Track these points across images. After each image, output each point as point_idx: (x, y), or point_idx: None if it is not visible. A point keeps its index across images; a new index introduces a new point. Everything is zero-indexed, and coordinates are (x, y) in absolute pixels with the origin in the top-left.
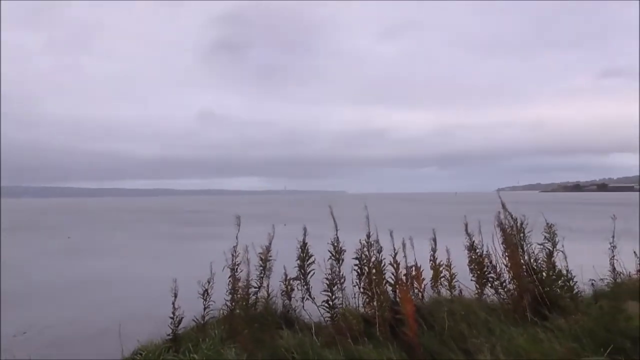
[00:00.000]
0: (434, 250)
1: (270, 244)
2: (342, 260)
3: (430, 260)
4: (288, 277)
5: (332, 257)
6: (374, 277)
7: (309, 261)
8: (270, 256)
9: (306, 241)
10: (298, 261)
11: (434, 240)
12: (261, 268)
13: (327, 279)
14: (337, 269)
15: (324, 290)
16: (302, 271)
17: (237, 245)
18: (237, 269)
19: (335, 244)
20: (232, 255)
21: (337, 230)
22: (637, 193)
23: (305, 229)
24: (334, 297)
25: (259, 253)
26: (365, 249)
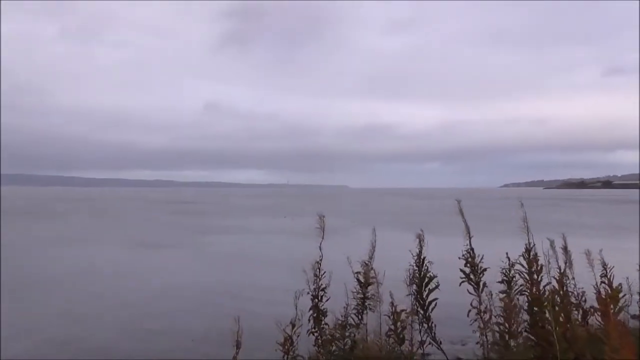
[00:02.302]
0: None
1: (371, 257)
2: (483, 286)
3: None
4: (396, 307)
5: (467, 279)
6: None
7: (430, 285)
8: (373, 278)
9: (422, 252)
10: (413, 286)
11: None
12: (359, 297)
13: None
14: (482, 299)
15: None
16: (420, 301)
17: (321, 259)
18: (321, 296)
19: (470, 257)
20: (316, 275)
21: (469, 237)
22: None
23: (420, 235)
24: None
25: (356, 272)
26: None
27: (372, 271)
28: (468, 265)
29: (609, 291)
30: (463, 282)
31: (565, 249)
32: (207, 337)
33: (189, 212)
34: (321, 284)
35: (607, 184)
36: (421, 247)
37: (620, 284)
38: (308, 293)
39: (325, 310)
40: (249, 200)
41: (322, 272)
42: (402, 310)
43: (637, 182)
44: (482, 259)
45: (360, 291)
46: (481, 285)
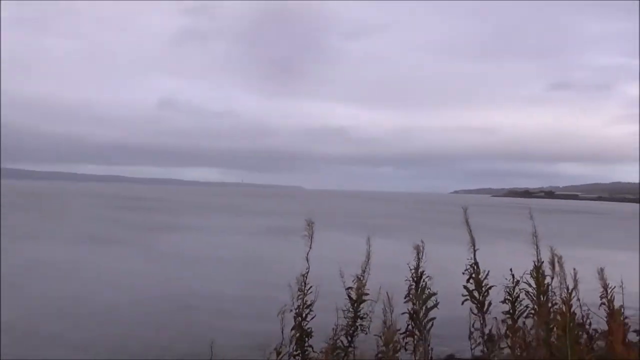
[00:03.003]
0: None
1: (365, 270)
2: (489, 306)
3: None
4: (389, 327)
5: (470, 298)
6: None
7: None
8: (367, 293)
9: (421, 265)
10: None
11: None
12: (350, 315)
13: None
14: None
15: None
16: (417, 320)
17: (307, 272)
18: (306, 314)
19: (475, 273)
20: (300, 289)
21: (474, 250)
22: (581, 201)
23: (419, 246)
24: None
25: (348, 288)
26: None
27: (364, 285)
28: (472, 281)
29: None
30: (466, 300)
31: (554, 263)
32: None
33: (139, 208)
34: (307, 300)
35: (549, 194)
36: (419, 259)
37: (621, 306)
38: (291, 310)
39: (310, 330)
40: (203, 198)
41: (308, 287)
42: (397, 331)
43: (577, 193)
44: (487, 275)
45: (351, 309)
46: (486, 305)
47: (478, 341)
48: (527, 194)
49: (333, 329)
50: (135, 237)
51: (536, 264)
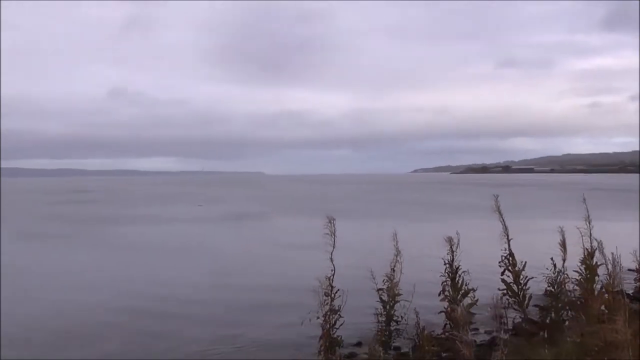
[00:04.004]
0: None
1: (394, 268)
2: (529, 300)
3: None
4: (423, 330)
5: (508, 292)
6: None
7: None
8: (400, 293)
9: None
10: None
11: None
12: (382, 315)
13: None
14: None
15: None
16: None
17: (333, 274)
18: (335, 320)
19: (511, 264)
20: (327, 294)
21: (508, 240)
22: (537, 174)
23: (451, 239)
24: None
25: (379, 290)
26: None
27: (398, 286)
28: (510, 273)
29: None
30: (505, 295)
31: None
32: None
33: (92, 201)
34: (334, 306)
35: (506, 168)
36: (453, 254)
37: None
38: (318, 318)
39: (340, 338)
40: (161, 188)
41: (334, 291)
42: (430, 333)
43: (532, 167)
44: (524, 266)
45: (382, 312)
46: (527, 300)
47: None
48: (484, 169)
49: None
50: (85, 230)
51: (589, 250)
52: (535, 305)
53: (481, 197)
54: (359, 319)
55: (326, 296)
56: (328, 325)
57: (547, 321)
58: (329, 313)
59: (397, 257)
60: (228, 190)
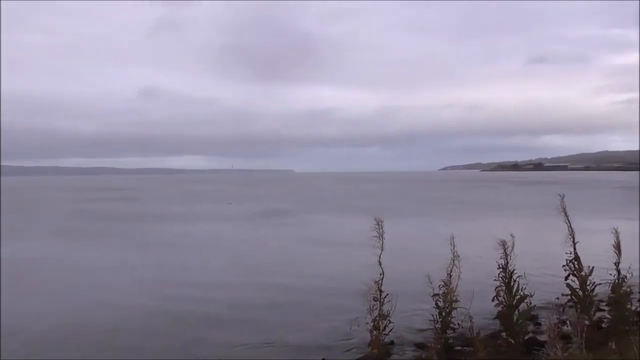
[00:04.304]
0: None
1: (450, 274)
2: (596, 307)
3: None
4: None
5: (573, 298)
6: None
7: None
8: (457, 299)
9: (509, 264)
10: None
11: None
12: (438, 322)
13: None
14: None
15: None
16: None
17: (382, 278)
18: (384, 326)
19: (576, 269)
20: (376, 299)
21: (574, 242)
22: (571, 172)
23: (504, 242)
24: None
25: (435, 295)
26: None
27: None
28: (576, 277)
29: None
30: (569, 303)
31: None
32: None
33: (124, 199)
34: (383, 311)
35: (538, 166)
36: (507, 255)
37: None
38: (367, 324)
39: (391, 344)
40: (191, 186)
41: (383, 295)
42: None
43: (565, 164)
44: (592, 270)
45: (438, 319)
46: (594, 307)
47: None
48: (516, 167)
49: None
50: (117, 228)
51: None
52: (601, 311)
53: (514, 195)
54: (407, 322)
55: (375, 301)
56: (377, 332)
57: (614, 330)
58: (378, 318)
59: (454, 261)
60: (257, 188)
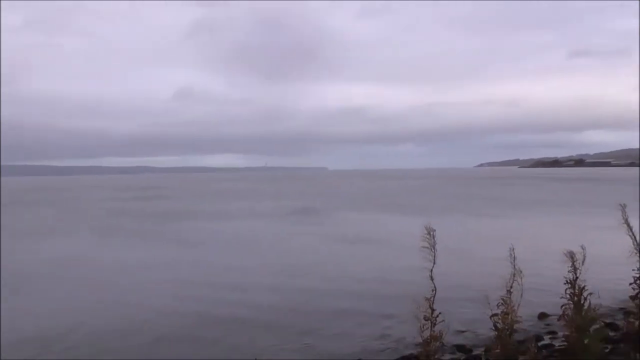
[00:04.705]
0: None
1: (510, 290)
2: None
3: None
4: None
5: None
6: None
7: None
8: (518, 320)
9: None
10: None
11: None
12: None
13: None
14: None
15: None
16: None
17: (434, 294)
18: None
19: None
20: (427, 318)
21: None
22: (614, 168)
23: (572, 254)
24: None
25: (494, 315)
26: None
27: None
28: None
29: None
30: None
31: None
32: None
33: (161, 197)
34: (434, 332)
35: (580, 162)
36: (575, 269)
37: None
38: (416, 345)
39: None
40: (226, 184)
41: (436, 315)
42: None
43: (609, 160)
44: None
45: (497, 342)
46: None
47: None
48: (556, 163)
49: None
50: (154, 226)
51: None
52: None
53: (556, 192)
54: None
55: (425, 320)
56: (428, 355)
57: None
58: (430, 340)
59: (514, 276)
60: (291, 186)
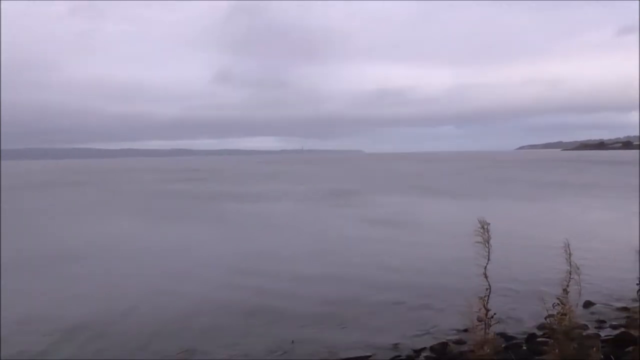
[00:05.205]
0: None
1: (567, 287)
2: None
3: None
4: None
5: None
6: None
7: None
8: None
9: None
10: None
11: None
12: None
13: None
14: None
15: None
16: None
17: (489, 293)
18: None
19: None
20: (480, 319)
21: None
22: None
23: None
24: None
25: (548, 317)
26: None
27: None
28: None
29: None
30: None
31: None
32: None
33: (200, 179)
34: (489, 333)
35: (627, 144)
36: None
37: None
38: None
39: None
40: (263, 167)
41: (490, 316)
42: None
43: None
44: None
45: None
46: None
47: None
48: (601, 145)
49: None
50: (199, 209)
51: None
52: None
53: (603, 176)
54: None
55: (479, 321)
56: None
57: None
58: (482, 343)
59: (571, 274)
60: (327, 169)
